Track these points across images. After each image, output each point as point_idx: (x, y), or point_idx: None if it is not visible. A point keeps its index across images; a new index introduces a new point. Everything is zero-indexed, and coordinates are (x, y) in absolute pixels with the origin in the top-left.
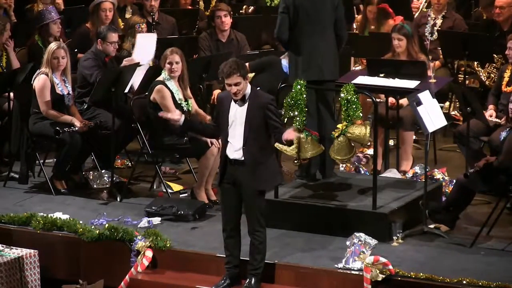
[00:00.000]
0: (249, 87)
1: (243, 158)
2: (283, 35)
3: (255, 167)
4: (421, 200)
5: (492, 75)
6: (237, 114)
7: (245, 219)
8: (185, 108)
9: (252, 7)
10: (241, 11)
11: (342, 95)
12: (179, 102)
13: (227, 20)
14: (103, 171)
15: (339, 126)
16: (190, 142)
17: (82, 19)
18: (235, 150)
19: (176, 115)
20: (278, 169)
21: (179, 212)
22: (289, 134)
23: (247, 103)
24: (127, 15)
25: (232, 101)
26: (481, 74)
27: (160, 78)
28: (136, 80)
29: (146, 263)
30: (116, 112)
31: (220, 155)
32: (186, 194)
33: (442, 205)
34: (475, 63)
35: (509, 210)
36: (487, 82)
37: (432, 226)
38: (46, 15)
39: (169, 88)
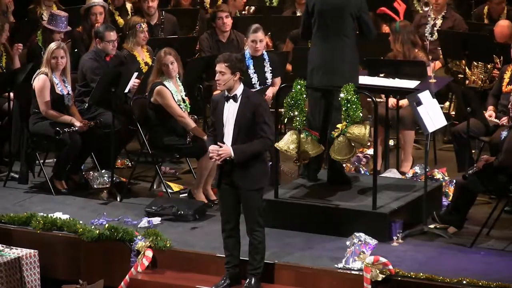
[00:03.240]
0: (241, 86)
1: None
2: (303, 36)
3: (244, 166)
4: (434, 212)
5: (482, 76)
6: (230, 114)
7: (244, 219)
8: (183, 110)
9: (253, 7)
10: (243, 12)
11: (342, 95)
12: (177, 103)
13: (229, 21)
14: (103, 171)
15: (339, 126)
16: (191, 142)
17: (79, 20)
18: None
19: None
20: (267, 169)
21: (179, 212)
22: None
23: (238, 102)
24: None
25: (225, 101)
26: (471, 76)
27: (158, 80)
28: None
29: (146, 263)
30: (116, 112)
31: None
32: (186, 194)
33: (448, 207)
34: (463, 65)
35: (510, 214)
36: (479, 83)
37: (432, 226)
38: (56, 21)
39: (168, 89)
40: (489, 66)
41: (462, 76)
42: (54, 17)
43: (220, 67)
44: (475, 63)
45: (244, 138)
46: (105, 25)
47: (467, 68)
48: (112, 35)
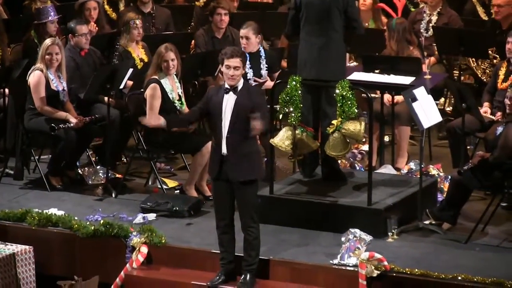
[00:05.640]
0: (242, 80)
1: (226, 149)
2: (288, 31)
3: (238, 158)
4: (427, 209)
5: (488, 71)
6: (228, 107)
7: (238, 215)
8: (178, 107)
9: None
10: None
11: (337, 91)
12: (172, 101)
13: (226, 19)
14: (98, 167)
15: (334, 122)
16: (185, 139)
17: (76, 15)
18: (225, 143)
19: (154, 120)
20: (261, 162)
21: (174, 208)
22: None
23: (237, 94)
24: (121, 6)
25: (224, 94)
26: (477, 70)
27: (155, 76)
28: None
29: (141, 259)
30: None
31: (211, 150)
32: (178, 191)
33: (442, 203)
34: (470, 59)
35: (505, 209)
36: (483, 78)
37: (427, 222)
38: (44, 13)
39: (163, 87)
40: (495, 61)
41: (458, 72)
42: (41, 10)
43: (235, 62)
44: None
45: (240, 128)
46: (76, 19)
47: (473, 62)
48: (84, 29)
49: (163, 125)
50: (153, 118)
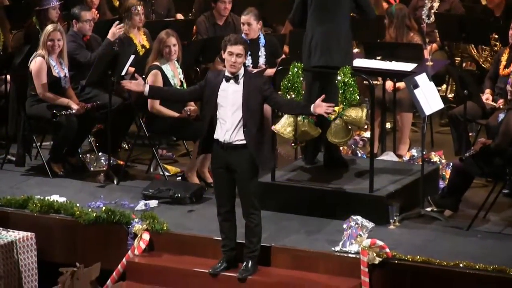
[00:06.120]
0: (242, 69)
1: (244, 141)
2: (294, 19)
3: (257, 147)
4: (429, 196)
5: (489, 59)
6: (229, 95)
7: (239, 202)
8: None
9: None
10: None
11: (339, 78)
12: (174, 86)
13: (230, 7)
14: (100, 153)
15: (336, 109)
16: (187, 125)
17: (78, 1)
18: (226, 130)
19: (139, 86)
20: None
21: (176, 195)
22: (320, 107)
23: (241, 84)
24: None
25: (224, 80)
26: (478, 59)
27: (156, 62)
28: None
29: (143, 246)
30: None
31: (204, 136)
32: (180, 178)
33: (444, 190)
34: (471, 47)
35: (507, 196)
36: (484, 66)
37: (429, 209)
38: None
39: (164, 73)
40: (495, 48)
41: (460, 59)
42: None
43: (238, 49)
44: (482, 47)
45: (253, 118)
46: (80, 5)
47: (474, 50)
48: (88, 15)
49: (145, 92)
50: (136, 83)
